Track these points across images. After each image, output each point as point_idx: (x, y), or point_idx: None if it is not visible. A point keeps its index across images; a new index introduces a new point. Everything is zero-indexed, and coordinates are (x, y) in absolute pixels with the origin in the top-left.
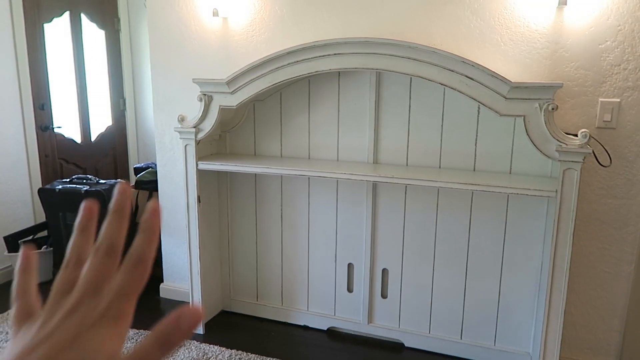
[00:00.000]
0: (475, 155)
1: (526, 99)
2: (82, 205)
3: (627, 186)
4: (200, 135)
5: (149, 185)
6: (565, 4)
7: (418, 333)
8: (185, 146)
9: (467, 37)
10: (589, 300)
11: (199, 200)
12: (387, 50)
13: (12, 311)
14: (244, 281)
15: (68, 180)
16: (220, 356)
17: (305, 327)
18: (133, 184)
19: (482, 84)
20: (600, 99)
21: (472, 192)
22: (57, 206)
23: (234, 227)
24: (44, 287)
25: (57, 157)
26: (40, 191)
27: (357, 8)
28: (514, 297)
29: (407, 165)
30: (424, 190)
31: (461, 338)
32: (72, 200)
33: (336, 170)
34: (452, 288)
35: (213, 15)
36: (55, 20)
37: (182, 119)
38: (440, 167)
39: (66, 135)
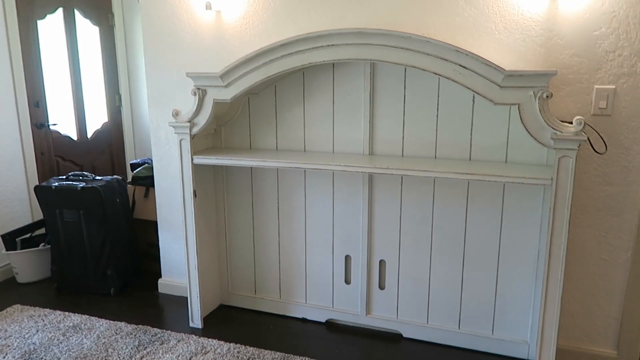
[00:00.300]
0: (470, 145)
1: (520, 87)
2: None
3: (623, 173)
4: (195, 130)
5: (145, 180)
6: None
7: (416, 323)
8: (180, 141)
9: (461, 26)
10: (586, 287)
11: (195, 195)
12: (380, 41)
13: None
14: (242, 275)
15: (64, 177)
16: (219, 350)
17: (304, 320)
18: (130, 180)
19: (476, 73)
20: (596, 86)
21: (468, 182)
22: (54, 203)
23: (231, 221)
24: (42, 285)
25: (53, 154)
26: (36, 189)
27: None
28: (511, 286)
29: (402, 156)
30: (420, 180)
31: (459, 328)
32: (68, 197)
33: (332, 163)
34: (449, 278)
35: (206, 9)
36: (48, 16)
37: (176, 114)
38: (435, 157)
39: (62, 133)
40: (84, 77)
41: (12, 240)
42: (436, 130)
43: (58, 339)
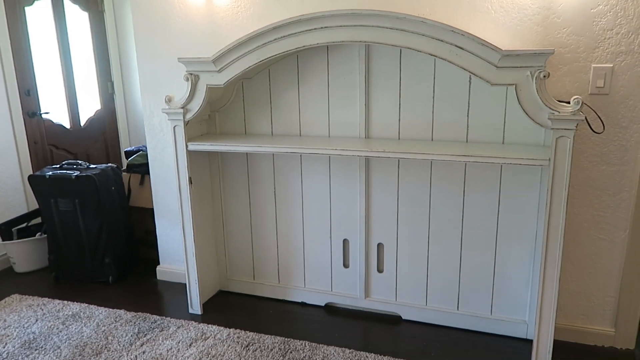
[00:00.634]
0: (467, 127)
1: (517, 67)
2: None
3: (621, 152)
4: (189, 116)
5: (140, 168)
6: None
7: (415, 305)
8: (174, 127)
9: (457, 5)
10: (583, 267)
11: (190, 182)
12: (374, 22)
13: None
14: (240, 260)
15: (58, 166)
16: (218, 335)
17: (303, 304)
18: (125, 167)
19: (473, 54)
20: (593, 65)
21: (465, 164)
22: (49, 193)
23: (228, 207)
24: (40, 274)
25: (46, 143)
26: (30, 178)
27: None
28: (510, 266)
29: (399, 139)
30: (417, 163)
31: (458, 309)
32: (63, 186)
33: (328, 147)
34: (447, 260)
35: None
36: (36, 3)
37: (169, 100)
38: (432, 139)
39: (55, 121)
40: (75, 64)
41: (8, 230)
42: (432, 112)
43: (58, 328)
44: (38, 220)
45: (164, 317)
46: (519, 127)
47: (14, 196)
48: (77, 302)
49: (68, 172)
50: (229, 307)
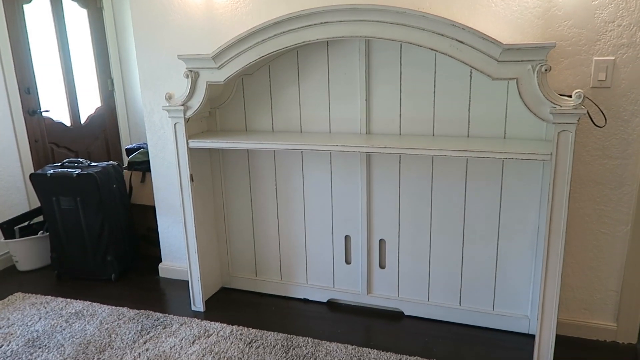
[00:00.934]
0: (468, 121)
1: (519, 61)
2: None
3: (623, 146)
4: (189, 113)
5: (141, 165)
6: None
7: (417, 301)
8: (175, 124)
9: None
10: (585, 261)
11: (192, 179)
12: (374, 17)
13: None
14: (242, 257)
15: (59, 164)
16: (221, 332)
17: (305, 300)
18: (126, 165)
19: (473, 48)
20: (595, 58)
21: (467, 159)
22: (50, 191)
23: (229, 204)
24: (43, 272)
25: (47, 141)
26: (32, 176)
27: None
28: (512, 261)
29: (400, 134)
30: (418, 158)
31: (460, 304)
32: (64, 184)
33: (329, 143)
34: (449, 255)
35: None
36: (34, 0)
37: (169, 97)
38: (433, 134)
39: (55, 119)
40: (75, 62)
41: (10, 228)
42: (433, 107)
43: (61, 326)
44: (40, 218)
45: (167, 315)
46: (520, 122)
47: (15, 195)
48: (80, 300)
49: (69, 170)
50: (232, 304)
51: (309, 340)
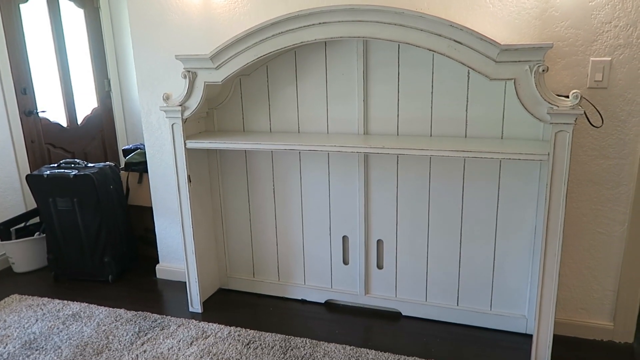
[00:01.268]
0: (466, 122)
1: (516, 62)
2: None
3: (619, 146)
4: (187, 114)
5: (138, 166)
6: None
7: (415, 301)
8: (172, 125)
9: None
10: (582, 261)
11: (189, 180)
12: (372, 17)
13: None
14: (240, 258)
15: (56, 165)
16: (219, 333)
17: (303, 301)
18: (123, 166)
19: (471, 48)
20: (592, 58)
21: (465, 159)
22: (47, 192)
23: (227, 204)
24: (39, 274)
25: (43, 142)
26: (28, 177)
27: None
28: (509, 261)
29: (398, 134)
30: (415, 159)
31: (457, 304)
32: (61, 185)
33: (326, 143)
34: (447, 255)
35: None
36: (30, 0)
37: (167, 98)
38: (431, 135)
39: (51, 120)
40: (71, 62)
41: (6, 230)
42: (431, 108)
43: (58, 328)
44: (36, 219)
45: (165, 316)
46: (517, 122)
47: (11, 196)
48: (77, 301)
49: (66, 171)
50: (230, 305)
51: (307, 341)
